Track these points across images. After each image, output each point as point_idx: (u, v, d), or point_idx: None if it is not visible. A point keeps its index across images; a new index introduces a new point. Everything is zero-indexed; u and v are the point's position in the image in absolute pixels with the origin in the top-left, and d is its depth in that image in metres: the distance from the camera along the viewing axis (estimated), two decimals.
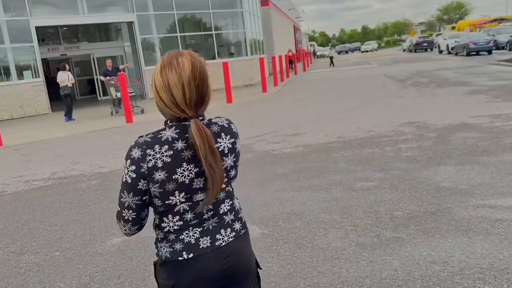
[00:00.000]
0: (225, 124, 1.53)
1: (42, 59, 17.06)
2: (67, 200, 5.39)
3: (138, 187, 1.39)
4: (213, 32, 20.90)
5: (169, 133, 1.40)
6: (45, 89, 16.58)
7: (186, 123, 1.41)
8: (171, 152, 1.38)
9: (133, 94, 13.69)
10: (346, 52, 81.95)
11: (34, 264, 3.66)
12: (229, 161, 1.49)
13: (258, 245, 3.59)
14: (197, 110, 1.42)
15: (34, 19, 16.27)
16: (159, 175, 1.37)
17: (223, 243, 1.49)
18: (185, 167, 1.39)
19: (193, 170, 1.40)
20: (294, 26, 51.83)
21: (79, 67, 23.07)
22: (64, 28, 22.36)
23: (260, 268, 1.68)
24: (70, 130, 11.65)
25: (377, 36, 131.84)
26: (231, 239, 1.52)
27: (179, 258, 1.45)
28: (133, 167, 1.38)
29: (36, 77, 16.44)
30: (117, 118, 13.14)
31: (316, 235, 3.71)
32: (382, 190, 4.66)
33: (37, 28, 16.42)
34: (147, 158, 1.37)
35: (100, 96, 21.12)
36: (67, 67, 13.63)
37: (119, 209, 1.46)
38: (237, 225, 1.58)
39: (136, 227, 1.49)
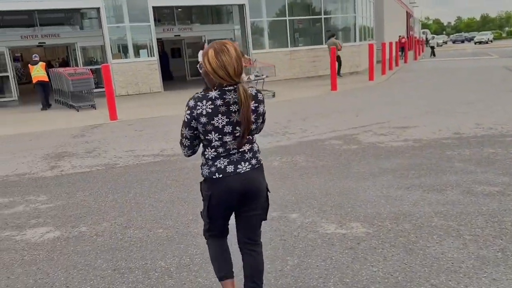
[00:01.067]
0: (253, 93, 2.22)
1: (157, 39, 17.94)
2: (173, 178, 5.53)
3: (191, 125, 2.20)
4: (322, 16, 20.43)
5: (214, 94, 2.15)
6: (158, 68, 17.45)
7: (226, 88, 2.15)
8: (212, 106, 2.14)
9: (263, 77, 13.35)
10: (462, 42, 76.09)
11: (138, 239, 3.77)
12: (252, 117, 2.18)
13: (362, 245, 3.34)
14: (239, 78, 2.15)
15: None
16: (203, 119, 2.15)
17: (242, 171, 2.25)
18: (220, 117, 2.15)
19: (224, 120, 2.16)
20: (407, 12, 49.09)
21: (191, 48, 23.95)
22: (179, 10, 23.30)
23: (269, 192, 2.45)
24: (182, 109, 12.14)
25: (498, 26, 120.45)
26: (248, 169, 2.27)
27: (213, 177, 2.24)
28: (188, 112, 2.17)
29: (151, 56, 17.36)
30: None
31: (428, 241, 3.36)
32: (508, 198, 4.12)
33: (154, 8, 17.26)
34: (197, 107, 2.14)
35: None
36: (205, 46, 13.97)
37: (180, 138, 2.31)
38: (253, 161, 2.31)
39: (190, 151, 2.32)
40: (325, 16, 20.63)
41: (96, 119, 11.21)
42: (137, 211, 4.45)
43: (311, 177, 5.15)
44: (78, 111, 13.13)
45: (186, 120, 2.20)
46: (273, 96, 13.30)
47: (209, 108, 2.13)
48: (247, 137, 2.21)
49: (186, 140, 2.26)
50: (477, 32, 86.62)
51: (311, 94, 13.72)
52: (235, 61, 2.11)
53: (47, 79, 14.22)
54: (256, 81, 13.23)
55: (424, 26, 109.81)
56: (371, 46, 16.41)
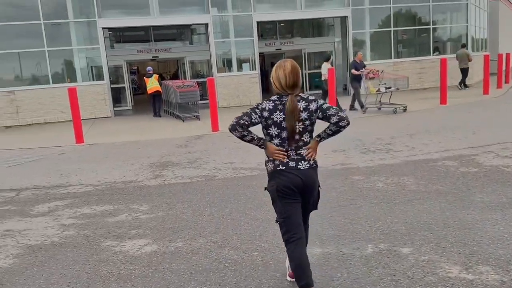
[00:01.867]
0: (308, 97, 2.78)
1: (259, 53, 18.16)
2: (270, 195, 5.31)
3: (256, 113, 2.74)
4: (431, 26, 19.24)
5: (274, 98, 2.76)
6: (259, 81, 17.61)
7: (283, 96, 2.74)
8: (273, 104, 2.74)
9: (391, 89, 12.69)
10: None
11: (233, 261, 3.58)
12: (303, 115, 2.72)
13: None
14: (293, 90, 2.73)
15: (257, 14, 17.35)
16: (265, 114, 2.74)
17: (302, 167, 2.74)
18: (278, 113, 2.72)
19: (282, 116, 2.72)
20: None
21: None
22: (281, 24, 23.46)
23: (320, 187, 2.92)
24: None
25: None
26: (306, 167, 2.76)
27: (277, 169, 2.75)
28: (255, 104, 2.78)
29: (253, 69, 17.58)
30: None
31: None
32: None
33: (258, 23, 17.51)
34: (263, 104, 2.76)
35: (306, 90, 21.57)
36: (331, 57, 13.81)
37: (241, 116, 2.73)
38: (311, 161, 2.79)
39: (243, 130, 2.73)
40: (434, 26, 19.40)
41: (200, 130, 11.48)
42: (233, 229, 4.28)
43: (423, 204, 4.62)
44: (184, 121, 13.59)
45: (252, 108, 2.78)
46: (404, 110, 12.48)
47: (271, 106, 2.74)
48: (302, 138, 2.76)
49: (246, 118, 2.72)
50: None
51: (418, 108, 12.84)
52: (287, 75, 2.73)
53: (160, 90, 15.12)
54: (385, 92, 12.62)
55: None
56: (486, 57, 15.07)
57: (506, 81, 18.87)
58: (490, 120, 10.05)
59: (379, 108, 12.80)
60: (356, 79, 13.25)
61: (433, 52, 19.43)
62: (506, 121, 9.66)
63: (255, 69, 17.55)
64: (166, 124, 13.37)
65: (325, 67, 13.65)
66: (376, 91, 12.52)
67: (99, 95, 15.89)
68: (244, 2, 17.48)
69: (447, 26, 20.28)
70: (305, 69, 21.38)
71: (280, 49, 21.90)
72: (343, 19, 18.69)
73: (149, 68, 15.42)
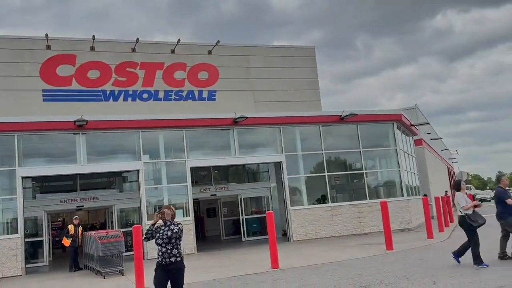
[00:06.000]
0: (175, 223, 6.36)
1: (193, 199, 17.28)
2: None
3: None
4: (364, 171, 19.63)
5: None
6: (193, 228, 16.43)
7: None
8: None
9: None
10: None
11: None
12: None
13: None
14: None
15: (191, 160, 16.88)
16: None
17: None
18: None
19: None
20: (448, 167, 48.46)
21: (227, 207, 23.25)
22: (216, 171, 23.25)
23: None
24: (219, 273, 10.61)
25: None
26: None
27: None
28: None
29: (186, 215, 16.50)
30: None
31: None
32: None
33: (192, 169, 16.95)
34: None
35: (244, 237, 20.50)
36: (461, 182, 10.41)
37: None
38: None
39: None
40: (367, 171, 19.82)
41: None
42: None
43: None
44: (104, 277, 11.82)
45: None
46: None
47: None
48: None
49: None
50: None
51: (363, 255, 12.06)
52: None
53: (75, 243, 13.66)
54: None
55: (466, 182, 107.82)
56: (425, 200, 15.13)
57: (446, 225, 18.95)
58: (447, 268, 9.36)
59: None
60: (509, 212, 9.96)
61: (370, 196, 19.47)
62: (467, 270, 8.99)
63: (189, 216, 16.47)
64: (82, 282, 11.53)
65: (462, 198, 9.75)
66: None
67: (10, 250, 13.83)
68: (177, 149, 17.12)
69: (381, 172, 20.84)
70: (242, 215, 20.57)
71: (215, 194, 21.26)
72: (278, 164, 18.69)
73: (75, 217, 14.26)
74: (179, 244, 6.29)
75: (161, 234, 6.21)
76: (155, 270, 6.21)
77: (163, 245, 6.15)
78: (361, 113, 19.09)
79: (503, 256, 9.82)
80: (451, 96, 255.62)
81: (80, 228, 14.27)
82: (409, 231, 18.61)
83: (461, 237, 15.14)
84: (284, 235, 19.02)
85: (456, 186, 10.26)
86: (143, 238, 6.42)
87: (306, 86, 23.55)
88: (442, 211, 18.77)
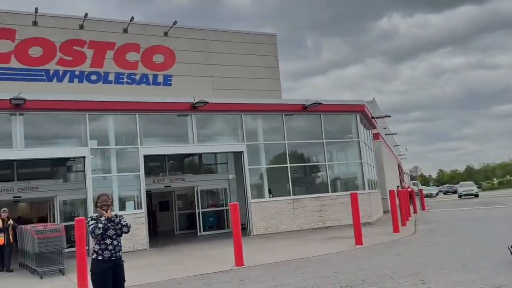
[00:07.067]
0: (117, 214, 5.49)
1: (146, 191, 15.85)
2: None
3: None
4: (326, 163, 18.87)
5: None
6: (145, 222, 15.03)
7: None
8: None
9: None
10: (454, 192, 76.35)
11: None
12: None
13: None
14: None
15: (144, 147, 15.44)
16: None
17: None
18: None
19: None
20: (398, 163, 49.12)
21: (181, 200, 21.90)
22: (170, 162, 21.83)
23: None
24: (174, 271, 9.39)
25: (484, 177, 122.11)
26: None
27: None
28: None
29: (138, 208, 15.06)
30: None
31: None
32: None
33: (145, 157, 15.52)
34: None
35: (200, 231, 19.25)
36: None
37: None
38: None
39: None
40: (329, 163, 19.08)
41: None
42: None
43: None
44: (41, 278, 10.30)
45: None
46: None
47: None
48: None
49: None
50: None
51: (332, 250, 11.19)
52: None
53: (5, 240, 11.79)
54: None
55: (411, 178, 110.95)
56: (392, 193, 14.49)
57: (406, 218, 18.49)
58: (420, 265, 8.60)
59: None
60: None
61: (334, 189, 18.72)
62: (447, 266, 8.26)
63: (141, 208, 15.04)
64: (13, 284, 9.98)
65: None
66: None
67: None
68: (129, 135, 15.60)
69: (343, 163, 20.19)
70: (198, 208, 19.30)
71: (170, 186, 19.85)
72: (238, 154, 17.57)
73: (4, 209, 12.16)
74: None
75: (112, 225, 5.30)
76: (96, 269, 5.22)
77: (114, 237, 5.34)
78: (325, 103, 18.29)
79: None
80: (394, 97, 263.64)
81: (10, 222, 12.10)
82: (370, 225, 18.06)
83: (429, 230, 14.80)
84: (244, 229, 17.88)
85: None
86: (99, 233, 5.25)
87: (267, 74, 22.59)
88: (399, 205, 18.22)
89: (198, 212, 19.35)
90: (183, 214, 21.87)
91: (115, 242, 5.33)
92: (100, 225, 5.24)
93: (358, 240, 11.71)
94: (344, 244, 12.06)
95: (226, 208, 19.95)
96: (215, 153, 20.74)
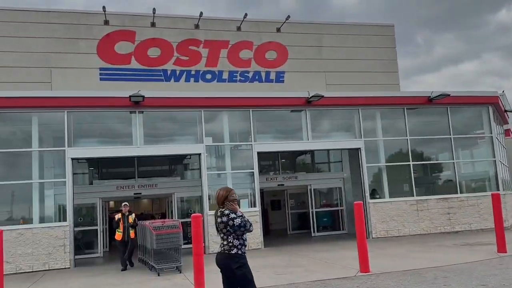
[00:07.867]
0: (225, 211, 5.01)
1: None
2: None
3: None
4: (454, 160, 16.95)
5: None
6: (260, 220, 14.68)
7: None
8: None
9: None
10: None
11: None
12: (222, 225, 4.99)
13: None
14: (221, 205, 5.10)
15: (258, 144, 15.09)
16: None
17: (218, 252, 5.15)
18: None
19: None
20: None
21: (294, 199, 21.34)
22: (283, 160, 21.38)
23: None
24: (290, 274, 8.76)
25: None
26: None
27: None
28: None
29: (253, 206, 14.77)
30: None
31: None
32: None
33: (259, 154, 15.16)
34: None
35: (314, 232, 18.48)
36: None
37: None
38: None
39: None
40: (458, 161, 17.12)
41: None
42: None
43: None
44: (159, 274, 10.32)
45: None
46: None
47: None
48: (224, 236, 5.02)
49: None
50: None
51: (471, 259, 9.73)
52: (219, 197, 5.11)
53: (126, 236, 12.04)
54: None
55: None
56: None
57: None
58: None
59: None
60: None
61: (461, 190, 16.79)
62: None
63: (256, 206, 14.72)
64: (131, 280, 10.08)
65: None
66: None
67: (57, 240, 12.67)
68: (243, 132, 15.39)
69: (472, 161, 18.08)
70: (312, 207, 18.55)
71: (283, 184, 19.38)
72: (355, 151, 16.47)
73: (125, 203, 12.38)
74: None
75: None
76: (246, 261, 5.03)
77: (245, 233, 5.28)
78: (453, 94, 16.43)
79: None
80: None
81: (132, 217, 12.03)
82: (506, 230, 15.80)
83: None
84: None
85: None
86: (249, 228, 5.02)
87: (383, 67, 21.13)
88: None
89: (312, 212, 18.61)
90: (295, 213, 21.30)
91: (245, 237, 5.09)
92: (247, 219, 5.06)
93: (501, 248, 10.12)
94: (483, 252, 10.50)
95: (341, 208, 19.03)
96: (330, 150, 19.84)
